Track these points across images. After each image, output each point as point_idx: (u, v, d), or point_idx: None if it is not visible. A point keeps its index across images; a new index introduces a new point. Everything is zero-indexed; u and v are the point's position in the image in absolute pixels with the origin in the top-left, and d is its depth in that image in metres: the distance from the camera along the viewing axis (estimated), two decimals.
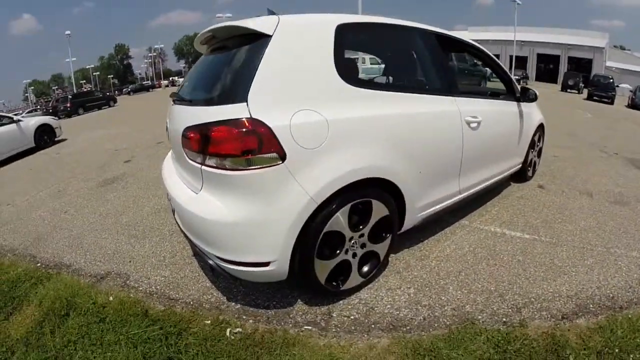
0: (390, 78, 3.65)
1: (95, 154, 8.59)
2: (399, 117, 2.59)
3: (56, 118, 13.30)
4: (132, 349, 2.13)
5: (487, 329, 2.25)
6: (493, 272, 2.87)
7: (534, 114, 4.59)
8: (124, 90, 59.10)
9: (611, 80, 26.04)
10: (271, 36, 2.12)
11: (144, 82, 68.43)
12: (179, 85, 3.59)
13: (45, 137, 10.73)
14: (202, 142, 2.06)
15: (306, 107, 2.11)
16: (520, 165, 4.56)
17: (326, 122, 2.14)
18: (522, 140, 4.26)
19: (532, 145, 4.64)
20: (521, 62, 44.50)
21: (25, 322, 2.49)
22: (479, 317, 2.38)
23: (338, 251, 2.38)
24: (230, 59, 2.38)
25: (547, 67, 46.16)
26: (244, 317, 2.43)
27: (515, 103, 4.07)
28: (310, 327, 2.32)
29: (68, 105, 26.08)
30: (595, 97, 23.87)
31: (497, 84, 4.43)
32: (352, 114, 2.29)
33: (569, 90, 29.41)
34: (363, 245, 2.53)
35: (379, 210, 2.48)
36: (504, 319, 2.36)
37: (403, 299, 2.57)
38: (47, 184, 6.15)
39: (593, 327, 2.26)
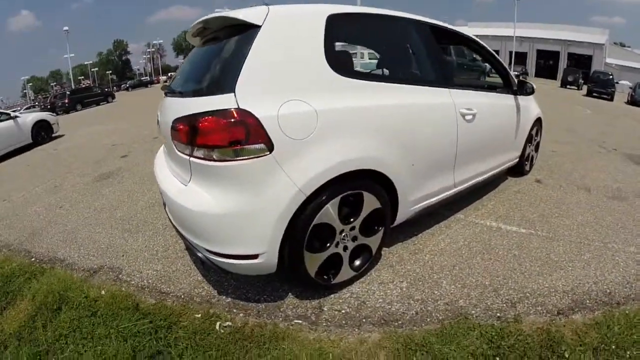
0: (383, 69, 3.60)
1: (92, 149, 8.54)
2: (392, 109, 2.54)
3: (53, 114, 13.25)
4: (122, 343, 2.12)
5: (481, 324, 2.21)
6: (488, 266, 2.82)
7: (531, 107, 4.54)
8: (122, 86, 58.89)
9: (611, 77, 25.88)
10: (260, 26, 2.09)
11: (142, 78, 67.99)
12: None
13: (42, 133, 10.66)
14: (190, 133, 2.04)
15: (295, 97, 2.08)
16: (518, 160, 4.51)
17: (315, 112, 2.11)
18: (519, 134, 4.21)
19: (529, 139, 4.59)
20: (521, 58, 44.50)
21: (19, 317, 2.48)
22: (473, 312, 2.34)
23: (328, 244, 2.34)
24: (220, 50, 2.35)
25: (547, 63, 46.07)
26: (235, 310, 2.41)
27: (512, 96, 4.02)
28: (300, 321, 2.30)
29: (66, 101, 25.89)
30: (594, 94, 23.83)
31: (496, 79, 4.38)
32: (342, 104, 2.26)
33: (568, 87, 29.40)
34: (354, 239, 2.48)
35: (370, 202, 2.44)
36: (498, 314, 2.31)
37: (395, 293, 2.53)
38: (44, 180, 6.13)
39: (589, 323, 2.21)
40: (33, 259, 3.31)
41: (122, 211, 4.27)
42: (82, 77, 78.36)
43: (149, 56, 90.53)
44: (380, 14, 2.84)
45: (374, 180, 2.45)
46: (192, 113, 2.06)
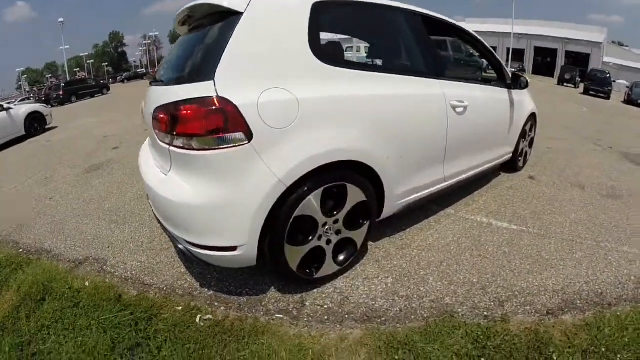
0: (372, 59, 3.55)
1: (85, 141, 8.48)
2: (378, 99, 2.48)
3: (46, 106, 13.12)
4: (102, 334, 2.10)
5: (467, 323, 2.15)
6: (477, 263, 2.75)
7: (525, 102, 4.46)
8: (118, 78, 58.62)
9: (608, 76, 25.86)
10: (243, 13, 2.03)
11: (138, 70, 67.59)
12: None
13: (35, 124, 10.55)
14: (169, 122, 2.00)
15: (276, 85, 2.02)
16: (511, 155, 4.44)
17: (297, 101, 2.05)
18: (512, 128, 4.13)
19: (523, 134, 4.52)
20: (518, 54, 44.46)
21: (3, 307, 2.45)
22: (459, 310, 2.28)
23: (311, 237, 2.29)
24: (204, 37, 2.31)
25: (545, 61, 46.03)
26: (216, 303, 2.37)
27: (505, 90, 3.94)
28: (281, 316, 2.25)
29: (61, 93, 25.92)
30: (591, 92, 23.80)
31: (492, 75, 4.28)
32: (326, 93, 2.20)
33: (565, 84, 29.37)
34: (338, 232, 2.42)
35: (355, 195, 2.37)
36: (485, 313, 2.25)
37: (380, 289, 2.47)
38: (35, 171, 6.08)
39: (579, 324, 2.15)
40: (21, 250, 3.28)
41: (110, 202, 4.26)
42: (78, 69, 78.01)
43: (145, 48, 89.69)
44: (368, 2, 2.75)
45: (358, 172, 2.38)
46: (171, 101, 2.01)
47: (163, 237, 3.22)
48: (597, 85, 24.09)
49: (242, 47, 2.00)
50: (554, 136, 7.48)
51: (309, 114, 2.09)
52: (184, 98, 1.95)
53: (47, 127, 11.11)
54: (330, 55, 2.43)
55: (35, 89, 62.07)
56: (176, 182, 2.09)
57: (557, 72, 35.96)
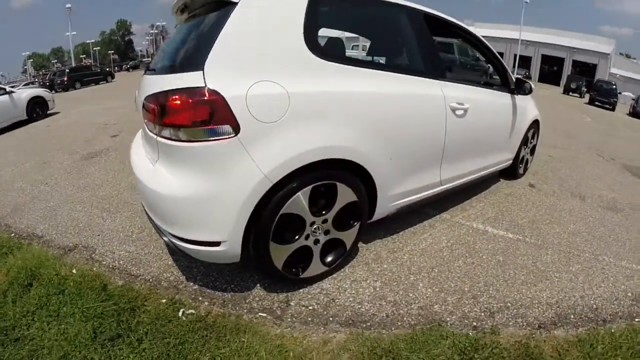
0: (370, 55, 3.48)
1: (85, 127, 8.43)
2: (374, 96, 2.41)
3: (49, 91, 13.14)
4: (85, 323, 2.07)
5: (455, 332, 2.08)
6: (469, 271, 2.68)
7: (528, 108, 4.37)
8: (123, 66, 58.77)
9: (614, 87, 25.73)
10: (237, 3, 1.98)
11: (144, 59, 67.38)
12: None
13: (37, 109, 10.58)
14: (157, 111, 1.95)
15: (267, 78, 1.96)
16: (511, 162, 4.35)
17: (287, 95, 1.98)
18: (513, 134, 4.05)
19: (525, 141, 4.43)
20: (525, 61, 44.25)
21: None
22: (448, 319, 2.21)
23: (297, 236, 2.23)
24: (197, 27, 2.26)
25: (551, 69, 45.87)
26: (200, 298, 2.34)
27: (508, 95, 3.85)
28: (265, 315, 2.21)
29: (65, 79, 26.00)
30: (597, 102, 23.69)
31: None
32: (318, 88, 2.14)
33: (570, 94, 29.23)
34: (327, 232, 2.36)
35: (345, 195, 2.30)
36: (475, 324, 2.18)
37: (367, 293, 2.41)
38: (34, 156, 6.07)
39: (572, 340, 2.08)
40: (13, 234, 3.27)
41: (104, 190, 4.23)
42: (84, 55, 77.84)
43: (152, 37, 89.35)
44: None
45: (350, 172, 2.31)
46: (159, 90, 1.97)
47: (153, 228, 3.16)
48: (603, 96, 23.98)
49: (234, 38, 1.95)
50: (556, 144, 7.41)
51: (300, 109, 2.03)
52: (172, 88, 1.91)
53: (48, 112, 11.11)
54: (326, 50, 2.38)
55: (40, 73, 62.14)
56: (162, 173, 2.05)
57: (563, 81, 35.81)
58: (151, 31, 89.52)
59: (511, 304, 2.35)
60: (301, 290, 2.40)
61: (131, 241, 3.04)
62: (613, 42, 44.51)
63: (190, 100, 1.84)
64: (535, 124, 4.66)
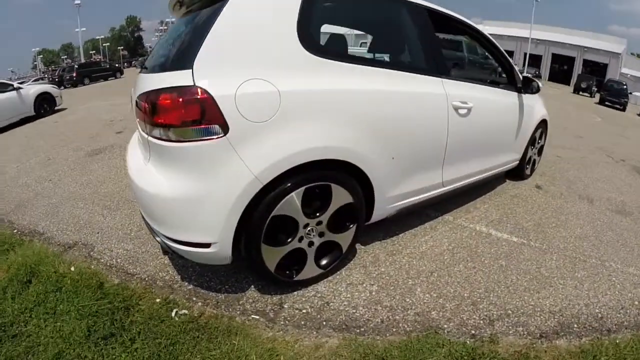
0: (369, 52, 3.39)
1: (91, 124, 8.50)
2: (372, 95, 2.33)
3: (56, 87, 13.26)
4: (79, 321, 2.07)
5: (452, 341, 2.01)
6: (470, 276, 2.60)
7: (536, 108, 4.26)
8: (132, 62, 59.28)
9: (625, 87, 25.38)
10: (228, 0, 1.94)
11: None
12: None
13: (45, 105, 10.67)
14: (147, 110, 1.93)
15: (258, 76, 1.91)
16: (518, 163, 4.26)
17: (278, 93, 1.93)
18: (520, 134, 3.95)
19: (532, 141, 4.33)
20: (535, 60, 43.96)
21: None
22: (445, 326, 2.14)
23: (290, 239, 2.18)
24: (190, 23, 2.23)
25: (561, 68, 45.44)
26: (194, 298, 2.32)
27: (515, 94, 3.75)
28: (257, 317, 2.17)
29: (74, 75, 26.30)
30: (607, 102, 23.44)
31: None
32: (312, 87, 2.08)
33: (581, 93, 28.99)
34: (321, 234, 2.30)
35: (340, 196, 2.25)
36: (473, 332, 2.11)
37: (363, 297, 2.35)
38: (39, 152, 6.12)
39: (574, 351, 2.00)
40: (15, 231, 3.30)
41: (106, 187, 4.25)
42: (94, 51, 78.68)
43: (161, 34, 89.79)
44: None
45: (346, 173, 2.25)
46: (150, 89, 1.94)
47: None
48: (613, 96, 23.73)
49: (225, 35, 1.90)
50: (565, 145, 7.29)
51: (292, 108, 1.97)
52: (161, 86, 1.88)
53: (56, 108, 11.21)
54: (322, 47, 2.32)
55: (49, 69, 62.72)
56: (152, 173, 2.03)
57: (573, 80, 35.49)
58: (160, 27, 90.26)
59: (512, 311, 2.27)
60: (295, 292, 2.35)
61: (129, 239, 3.03)
62: (624, 41, 44.06)
63: (179, 100, 1.80)
64: (543, 124, 4.55)
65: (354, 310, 2.23)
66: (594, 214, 3.86)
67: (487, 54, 3.82)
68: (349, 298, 2.32)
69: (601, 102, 23.85)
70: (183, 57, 1.91)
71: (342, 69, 2.22)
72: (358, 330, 2.09)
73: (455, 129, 2.82)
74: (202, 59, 1.83)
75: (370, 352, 1.91)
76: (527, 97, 3.90)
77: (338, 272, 2.54)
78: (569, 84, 37.85)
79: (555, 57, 45.86)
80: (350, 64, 2.29)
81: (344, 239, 2.42)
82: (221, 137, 1.82)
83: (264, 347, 1.94)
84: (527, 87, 3.83)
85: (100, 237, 3.09)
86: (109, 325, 2.05)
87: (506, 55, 3.74)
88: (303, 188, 2.08)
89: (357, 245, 2.78)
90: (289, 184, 2.03)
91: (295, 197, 2.06)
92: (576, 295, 2.46)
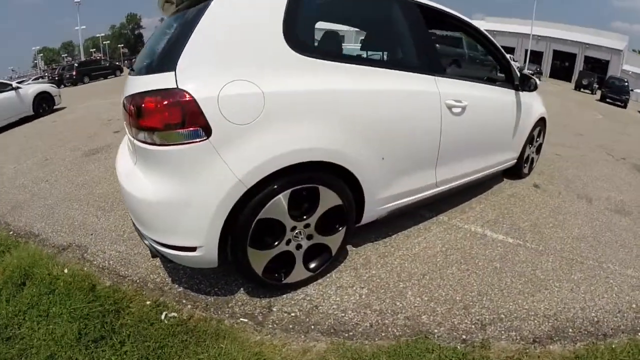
0: (361, 49, 3.33)
1: (90, 123, 8.49)
2: (361, 94, 2.29)
3: (55, 86, 13.22)
4: (70, 324, 2.08)
5: (442, 346, 1.98)
6: (463, 278, 2.55)
7: (534, 106, 4.19)
8: (132, 60, 59.22)
9: (626, 84, 25.24)
10: None
11: None
12: None
13: (44, 104, 10.64)
14: (133, 114, 1.91)
15: (241, 77, 1.88)
16: (515, 161, 4.20)
17: (262, 95, 1.89)
18: (518, 133, 3.89)
19: (530, 140, 4.27)
20: (536, 57, 43.80)
21: None
22: (435, 330, 2.10)
23: (277, 242, 2.15)
24: (175, 23, 2.22)
25: (563, 65, 45.25)
26: (184, 301, 2.31)
27: (512, 91, 3.69)
28: (246, 320, 2.15)
29: (73, 73, 26.32)
30: (608, 99, 23.34)
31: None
32: (298, 87, 2.04)
33: (582, 90, 28.86)
34: (310, 237, 2.27)
35: (328, 198, 2.21)
36: (464, 337, 2.06)
37: (352, 300, 2.31)
38: (37, 152, 6.13)
39: (568, 356, 1.96)
40: (11, 232, 3.31)
41: (101, 188, 4.23)
42: (94, 49, 78.78)
43: None
44: None
45: (334, 174, 2.21)
46: (134, 92, 1.92)
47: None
48: (615, 92, 23.59)
49: (208, 36, 1.87)
50: (565, 143, 7.21)
51: (276, 110, 1.93)
52: (145, 90, 1.86)
53: (55, 107, 11.18)
54: (310, 46, 2.29)
55: (50, 68, 62.76)
56: (138, 177, 2.02)
57: (574, 77, 35.33)
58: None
59: (505, 315, 2.22)
60: (285, 295, 2.33)
61: (122, 241, 3.03)
62: (626, 38, 43.82)
63: (162, 103, 1.78)
64: (541, 122, 4.49)
65: (343, 314, 2.19)
66: (593, 214, 3.81)
67: (484, 50, 3.76)
68: (339, 301, 2.29)
69: (602, 99, 23.74)
70: (166, 59, 1.89)
71: (330, 69, 2.17)
72: (346, 335, 2.05)
73: (449, 128, 2.76)
74: (185, 60, 1.81)
75: (358, 357, 1.88)
76: (524, 95, 3.83)
77: (328, 275, 2.51)
78: (570, 81, 37.68)
79: (557, 54, 45.66)
80: (339, 63, 2.24)
81: (334, 241, 2.38)
82: (204, 140, 1.79)
83: (252, 350, 1.91)
84: (524, 84, 3.75)
85: (94, 238, 3.09)
86: (99, 328, 2.05)
87: (503, 52, 3.68)
88: (289, 191, 2.04)
89: (349, 247, 2.74)
90: (275, 187, 1.99)
91: (281, 200, 2.03)
92: (572, 299, 2.41)
